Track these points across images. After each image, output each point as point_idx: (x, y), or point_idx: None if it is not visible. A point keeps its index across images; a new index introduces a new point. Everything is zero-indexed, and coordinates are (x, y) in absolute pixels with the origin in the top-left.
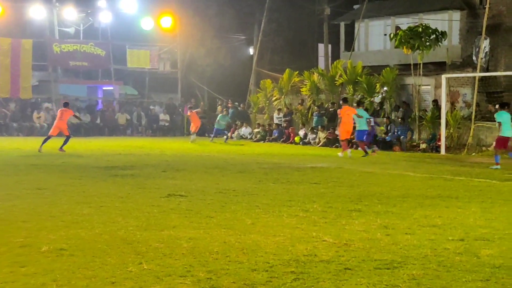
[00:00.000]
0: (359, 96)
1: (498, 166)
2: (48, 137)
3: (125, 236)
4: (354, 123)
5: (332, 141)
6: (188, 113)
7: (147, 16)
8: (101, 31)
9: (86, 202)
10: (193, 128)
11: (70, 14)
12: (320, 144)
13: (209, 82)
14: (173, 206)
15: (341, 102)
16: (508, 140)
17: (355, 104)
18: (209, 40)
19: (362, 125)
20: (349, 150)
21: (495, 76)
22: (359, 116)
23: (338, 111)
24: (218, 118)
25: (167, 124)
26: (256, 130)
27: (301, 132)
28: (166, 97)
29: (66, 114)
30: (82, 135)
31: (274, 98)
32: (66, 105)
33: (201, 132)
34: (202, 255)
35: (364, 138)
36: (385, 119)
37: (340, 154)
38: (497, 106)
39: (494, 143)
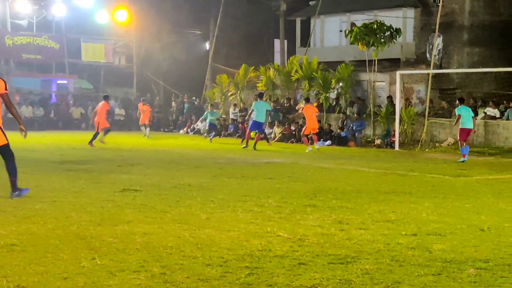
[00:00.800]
0: (314, 92)
1: (465, 158)
2: (97, 133)
3: (78, 231)
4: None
5: (288, 136)
6: (143, 106)
7: (102, 10)
8: (55, 24)
9: (39, 196)
10: (145, 120)
11: (23, 6)
12: (276, 139)
13: (165, 77)
14: (127, 201)
15: (303, 101)
16: (470, 132)
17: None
18: (165, 35)
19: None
20: (315, 145)
21: (448, 73)
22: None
23: (301, 109)
24: (205, 116)
25: (122, 118)
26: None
27: None
28: (122, 92)
29: (103, 108)
30: (36, 129)
31: (230, 93)
32: (106, 98)
33: (157, 127)
34: (156, 250)
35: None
36: (341, 114)
37: (308, 149)
38: (456, 102)
39: (452, 138)
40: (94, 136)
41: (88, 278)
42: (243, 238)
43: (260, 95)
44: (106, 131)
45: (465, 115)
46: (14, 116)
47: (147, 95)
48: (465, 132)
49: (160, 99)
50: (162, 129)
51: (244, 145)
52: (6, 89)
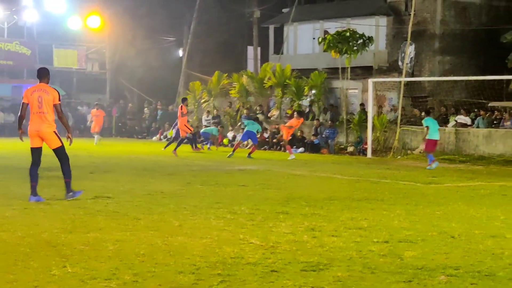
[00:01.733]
0: (287, 99)
1: (434, 165)
2: (182, 140)
3: (49, 239)
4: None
5: (260, 144)
6: (96, 111)
7: (75, 15)
8: (26, 30)
9: (9, 204)
10: (95, 128)
11: None
12: (249, 146)
13: (138, 84)
14: (99, 208)
15: (297, 114)
16: (436, 143)
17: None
18: (139, 41)
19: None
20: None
21: (420, 81)
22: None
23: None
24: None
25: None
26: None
27: (230, 135)
28: (94, 98)
29: (184, 110)
30: (7, 135)
31: (203, 100)
32: (184, 100)
33: (130, 134)
34: (128, 257)
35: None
36: (315, 121)
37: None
38: (423, 114)
39: (423, 146)
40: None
41: (59, 287)
42: (215, 245)
43: (256, 119)
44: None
45: (432, 126)
46: (64, 125)
47: (119, 101)
48: (433, 143)
49: (133, 105)
50: (135, 136)
51: (230, 154)
52: (59, 99)
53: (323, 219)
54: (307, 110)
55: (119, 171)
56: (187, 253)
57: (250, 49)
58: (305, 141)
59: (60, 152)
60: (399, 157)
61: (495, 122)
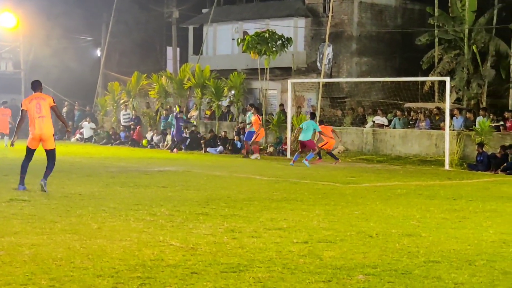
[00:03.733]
0: (207, 100)
1: (307, 162)
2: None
3: None
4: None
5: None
6: (4, 110)
7: None
8: None
9: None
10: (5, 129)
11: None
12: (168, 147)
13: (55, 84)
14: (15, 211)
15: (255, 110)
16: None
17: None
18: (55, 40)
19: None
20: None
21: (338, 82)
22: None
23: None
24: (171, 119)
25: (9, 126)
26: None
27: (149, 135)
28: (9, 98)
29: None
30: None
31: (122, 101)
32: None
33: None
34: (45, 262)
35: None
36: (237, 122)
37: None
38: (308, 116)
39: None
40: None
41: None
42: (135, 248)
43: (256, 108)
44: None
45: (305, 129)
46: (63, 122)
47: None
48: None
49: None
50: None
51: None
52: (54, 102)
53: (243, 220)
54: (226, 111)
55: (34, 173)
56: (106, 256)
57: (169, 50)
58: (225, 141)
59: (53, 154)
60: (318, 157)
61: (411, 122)
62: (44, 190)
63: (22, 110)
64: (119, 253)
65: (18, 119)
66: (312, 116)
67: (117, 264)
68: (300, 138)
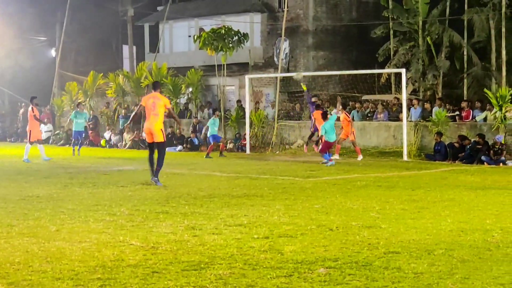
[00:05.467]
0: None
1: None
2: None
3: None
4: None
5: (138, 143)
6: None
7: None
8: None
9: None
10: None
11: None
12: (127, 146)
13: (10, 85)
14: None
15: (340, 107)
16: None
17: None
18: (8, 41)
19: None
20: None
21: None
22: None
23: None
24: (208, 124)
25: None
26: (57, 132)
27: (107, 135)
28: None
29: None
30: None
31: (79, 101)
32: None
33: (2, 137)
34: (3, 266)
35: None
36: (193, 119)
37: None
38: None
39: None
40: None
41: None
42: (95, 249)
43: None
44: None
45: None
46: (176, 120)
47: None
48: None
49: (5, 107)
50: (7, 139)
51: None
52: (170, 103)
53: (203, 217)
54: (184, 108)
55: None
56: (65, 259)
57: (125, 48)
58: (184, 139)
59: (162, 146)
60: (277, 152)
61: (369, 115)
62: (160, 185)
63: (140, 105)
64: (78, 255)
65: (134, 112)
66: (324, 116)
67: (76, 266)
68: (327, 139)
